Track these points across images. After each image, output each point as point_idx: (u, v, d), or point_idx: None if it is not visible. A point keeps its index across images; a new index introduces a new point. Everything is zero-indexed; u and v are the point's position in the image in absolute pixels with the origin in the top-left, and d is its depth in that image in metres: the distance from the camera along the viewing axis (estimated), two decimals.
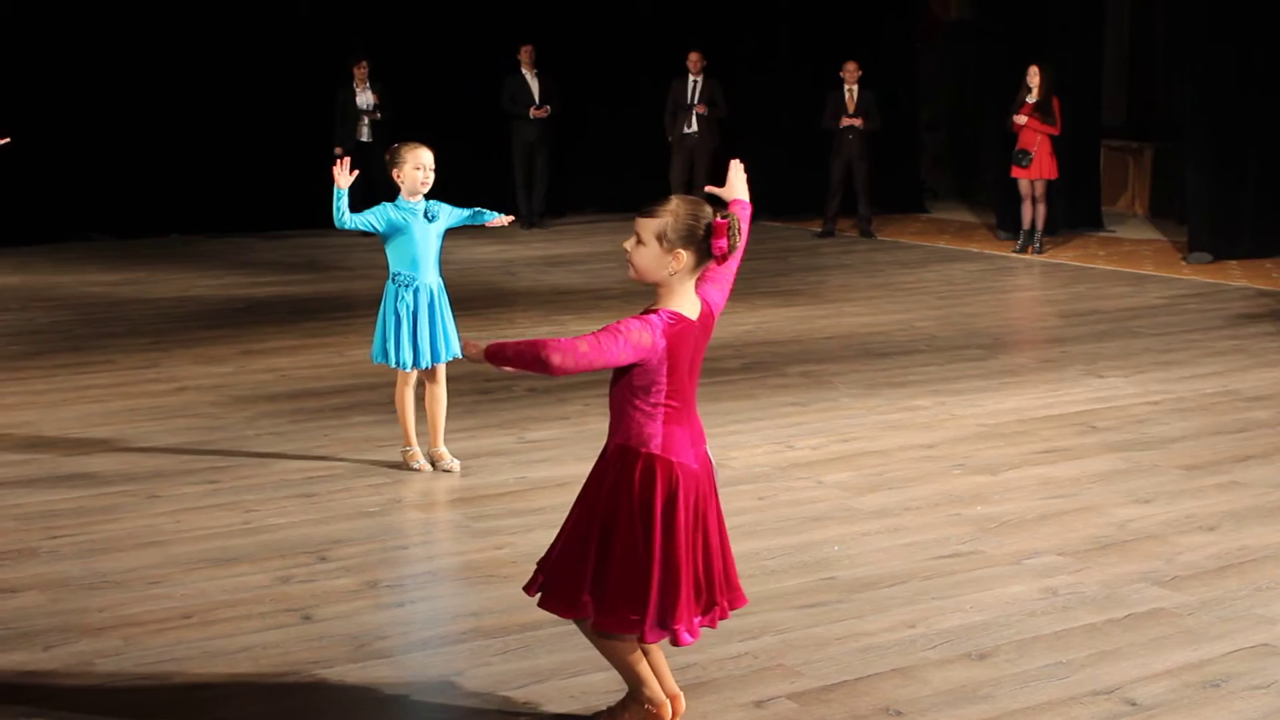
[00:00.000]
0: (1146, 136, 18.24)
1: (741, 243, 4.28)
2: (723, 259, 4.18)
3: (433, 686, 4.91)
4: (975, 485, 7.14)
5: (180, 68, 16.59)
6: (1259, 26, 14.34)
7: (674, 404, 4.21)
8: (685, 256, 4.15)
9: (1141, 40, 18.85)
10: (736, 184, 4.66)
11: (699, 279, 4.25)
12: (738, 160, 4.75)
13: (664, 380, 4.17)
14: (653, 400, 4.19)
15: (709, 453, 4.37)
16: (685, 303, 4.20)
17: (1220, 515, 6.67)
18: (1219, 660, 5.06)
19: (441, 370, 7.38)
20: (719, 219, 4.16)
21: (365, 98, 16.67)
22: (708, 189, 4.80)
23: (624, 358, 4.10)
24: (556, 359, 4.04)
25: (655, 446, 4.20)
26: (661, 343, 4.12)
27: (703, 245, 4.15)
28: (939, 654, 5.13)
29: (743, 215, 4.53)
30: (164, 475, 7.30)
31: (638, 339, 4.09)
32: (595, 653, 5.07)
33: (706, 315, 4.27)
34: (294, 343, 10.65)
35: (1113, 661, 5.05)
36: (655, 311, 4.17)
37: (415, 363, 7.25)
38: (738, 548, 6.16)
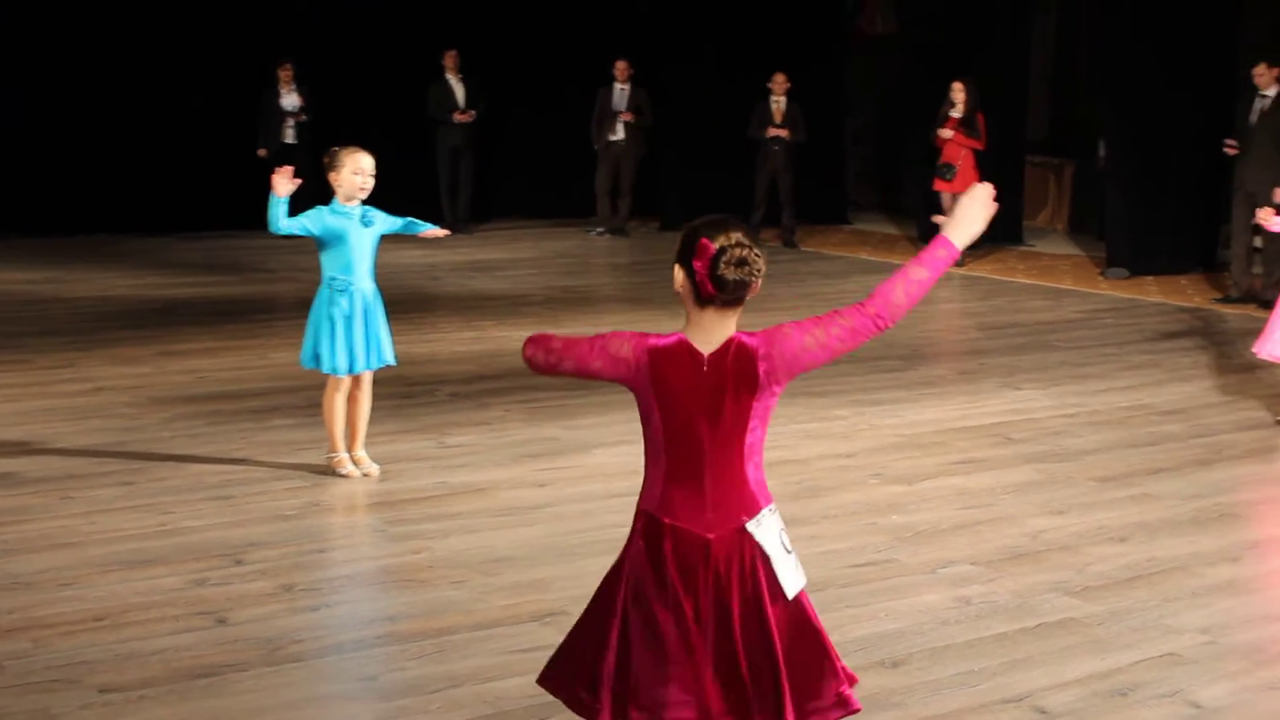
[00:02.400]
0: (1068, 153, 18.45)
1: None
2: (707, 295, 3.52)
3: (347, 690, 4.90)
4: (892, 495, 7.20)
5: (104, 67, 16.41)
6: (1178, 49, 14.52)
7: (676, 459, 3.60)
8: (679, 276, 3.58)
9: (1065, 58, 19.07)
10: (958, 215, 3.73)
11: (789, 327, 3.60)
12: (985, 185, 3.78)
13: (657, 417, 3.59)
14: (653, 442, 3.64)
15: (755, 539, 3.64)
16: (700, 334, 3.58)
17: (1131, 527, 6.76)
18: (1127, 669, 5.13)
19: (368, 376, 7.35)
20: (707, 239, 3.51)
21: (290, 100, 16.58)
22: (935, 219, 4.12)
23: (595, 365, 3.62)
24: (528, 350, 3.72)
25: (651, 502, 3.65)
26: (641, 359, 3.58)
27: (690, 268, 3.54)
28: (852, 661, 5.12)
29: (932, 260, 3.65)
30: (78, 476, 7.23)
31: (615, 348, 3.60)
32: (510, 657, 5.10)
33: (732, 358, 3.56)
34: (214, 344, 10.57)
35: (1023, 670, 5.11)
36: (663, 334, 3.65)
37: (350, 368, 7.22)
38: None
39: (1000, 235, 16.70)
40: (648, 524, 3.65)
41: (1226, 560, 6.34)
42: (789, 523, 6.61)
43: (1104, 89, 15.26)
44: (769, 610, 3.61)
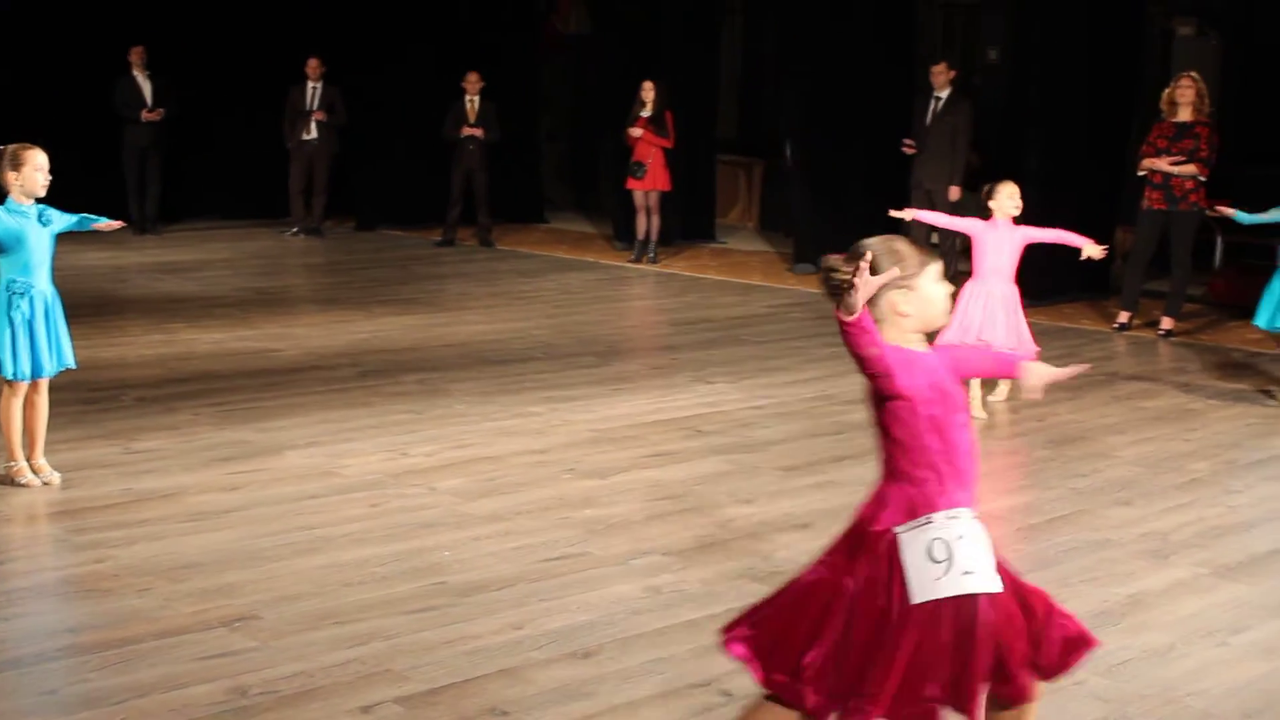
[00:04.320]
0: (757, 152, 18.91)
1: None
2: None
3: (25, 706, 4.74)
4: (585, 489, 7.29)
5: None
6: (858, 51, 15.03)
7: None
8: None
9: (752, 60, 19.55)
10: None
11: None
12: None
13: None
14: None
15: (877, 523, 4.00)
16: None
17: (815, 513, 6.99)
18: None
19: (45, 380, 7.11)
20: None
21: None
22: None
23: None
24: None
25: None
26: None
27: None
28: (545, 654, 5.23)
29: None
30: None
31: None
32: (198, 664, 5.01)
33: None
34: None
35: (711, 655, 5.22)
36: None
37: (34, 373, 6.98)
38: (348, 555, 6.19)
39: (693, 232, 17.05)
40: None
41: None
42: (484, 519, 6.69)
43: (788, 90, 15.68)
44: (895, 612, 3.75)
